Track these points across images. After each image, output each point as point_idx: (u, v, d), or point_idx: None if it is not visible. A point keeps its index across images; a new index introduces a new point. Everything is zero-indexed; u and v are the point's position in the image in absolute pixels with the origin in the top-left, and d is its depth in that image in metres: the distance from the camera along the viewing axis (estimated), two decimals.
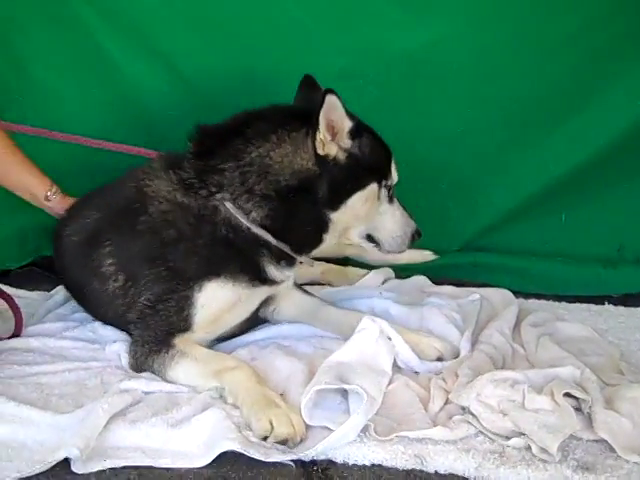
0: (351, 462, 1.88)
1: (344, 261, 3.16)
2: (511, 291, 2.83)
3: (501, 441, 1.93)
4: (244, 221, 2.25)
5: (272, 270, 2.32)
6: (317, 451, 1.87)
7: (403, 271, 3.03)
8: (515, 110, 3.05)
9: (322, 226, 2.33)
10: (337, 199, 2.30)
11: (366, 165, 2.33)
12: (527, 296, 2.93)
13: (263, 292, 2.37)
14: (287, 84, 2.94)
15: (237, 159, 2.25)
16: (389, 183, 2.41)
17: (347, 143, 2.29)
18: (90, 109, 3.08)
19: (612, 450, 1.90)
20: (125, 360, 2.30)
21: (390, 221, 2.44)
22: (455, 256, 3.18)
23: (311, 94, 2.43)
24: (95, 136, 2.84)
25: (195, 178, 2.28)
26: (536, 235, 3.19)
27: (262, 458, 1.85)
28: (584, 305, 2.93)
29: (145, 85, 3.08)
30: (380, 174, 2.38)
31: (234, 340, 2.43)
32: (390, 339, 2.25)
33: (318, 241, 2.37)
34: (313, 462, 1.89)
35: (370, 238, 2.45)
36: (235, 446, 1.86)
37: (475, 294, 2.69)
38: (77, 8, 2.98)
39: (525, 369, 2.22)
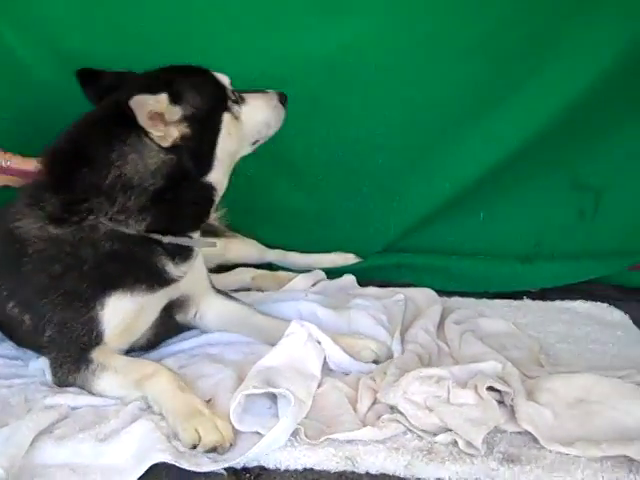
0: (283, 467, 1.89)
1: (269, 267, 3.18)
2: (434, 290, 2.89)
3: (429, 438, 1.96)
4: (128, 231, 2.22)
5: (170, 268, 2.30)
6: (248, 457, 1.87)
7: (327, 274, 3.05)
8: (433, 111, 3.09)
9: (208, 194, 2.33)
10: (207, 161, 2.28)
11: (205, 110, 2.28)
12: (450, 294, 2.99)
13: (165, 294, 2.36)
14: None
15: (97, 187, 2.20)
16: (229, 95, 2.38)
17: (178, 113, 2.21)
18: None
19: (535, 441, 1.96)
20: (49, 376, 2.25)
21: (258, 115, 2.45)
22: (379, 257, 3.22)
23: (102, 82, 2.39)
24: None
25: (62, 211, 2.23)
26: (457, 234, 3.25)
27: (193, 468, 1.84)
28: (504, 301, 3.00)
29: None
30: (220, 101, 2.35)
31: (161, 350, 2.41)
32: (319, 342, 2.27)
33: (209, 209, 2.39)
34: (245, 469, 1.88)
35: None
36: (165, 457, 1.85)
37: (399, 294, 2.73)
38: None
39: (450, 365, 2.26)
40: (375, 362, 2.32)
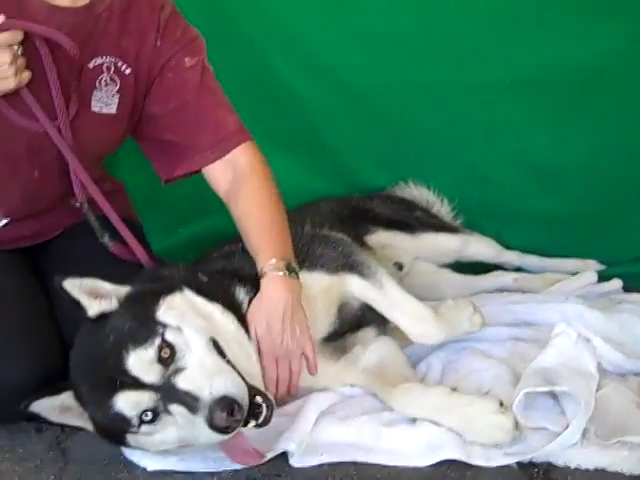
0: (573, 465, 1.84)
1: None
2: None
3: None
4: None
5: None
6: (541, 453, 1.84)
7: None
8: None
9: None
10: None
11: None
12: None
13: None
14: (457, 96, 3.02)
15: None
16: None
17: None
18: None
19: None
20: None
21: None
22: (634, 265, 3.06)
23: None
24: None
25: None
26: None
27: (484, 464, 1.85)
28: None
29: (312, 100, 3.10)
30: None
31: None
32: (589, 341, 2.20)
33: None
34: (533, 464, 1.86)
35: None
36: (457, 453, 1.87)
37: None
38: (244, 27, 3.01)
39: None
40: None
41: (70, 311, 1.93)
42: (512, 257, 3.13)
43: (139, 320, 1.86)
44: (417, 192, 3.20)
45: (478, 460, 1.85)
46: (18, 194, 2.28)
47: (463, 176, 3.15)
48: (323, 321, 2.20)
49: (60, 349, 2.11)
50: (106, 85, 2.24)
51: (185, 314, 1.90)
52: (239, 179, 2.25)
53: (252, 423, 1.80)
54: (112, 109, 2.27)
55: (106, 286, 1.94)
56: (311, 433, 1.98)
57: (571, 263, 3.09)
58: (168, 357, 1.79)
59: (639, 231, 3.10)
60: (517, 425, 1.89)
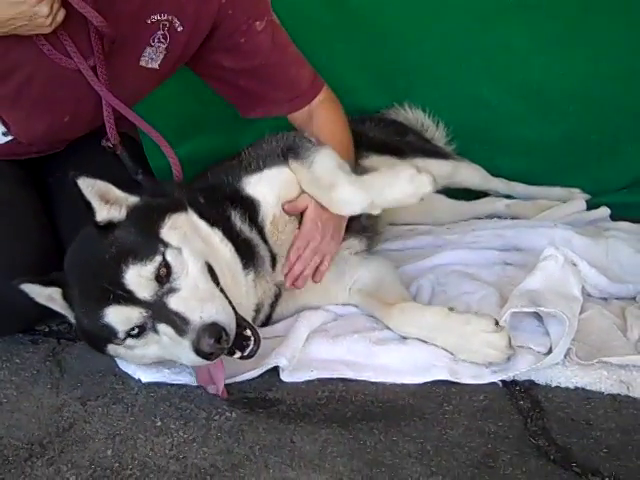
0: (554, 384, 1.90)
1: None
2: None
3: None
4: None
5: None
6: (523, 372, 1.90)
7: None
8: None
9: None
10: None
11: None
12: None
13: None
14: (457, 16, 2.96)
15: None
16: None
17: None
18: None
19: None
20: None
21: None
22: (627, 194, 3.08)
23: None
24: None
25: None
26: None
27: (471, 381, 1.91)
28: None
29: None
30: None
31: (418, 264, 2.47)
32: (575, 265, 2.24)
33: None
34: (514, 382, 1.92)
35: None
36: (443, 374, 1.93)
37: None
38: None
39: None
40: None
41: (69, 217, 1.94)
42: (499, 185, 3.16)
43: (143, 235, 1.86)
44: (412, 115, 3.20)
45: (466, 378, 1.91)
46: (44, 133, 2.29)
47: (459, 100, 3.14)
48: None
49: (58, 261, 2.13)
50: (158, 42, 2.23)
51: (187, 235, 1.91)
52: (312, 118, 2.42)
53: (237, 354, 1.81)
54: (156, 64, 2.27)
55: (118, 193, 1.94)
56: (302, 350, 2.03)
57: (556, 191, 3.12)
58: (165, 276, 1.81)
59: (629, 160, 3.12)
60: (510, 344, 1.93)
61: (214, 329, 1.72)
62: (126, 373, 2.00)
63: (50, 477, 1.63)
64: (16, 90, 2.14)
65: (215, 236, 1.99)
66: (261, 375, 1.97)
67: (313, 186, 2.14)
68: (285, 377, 1.96)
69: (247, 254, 2.06)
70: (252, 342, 1.82)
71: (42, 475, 1.64)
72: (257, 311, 2.11)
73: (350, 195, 2.08)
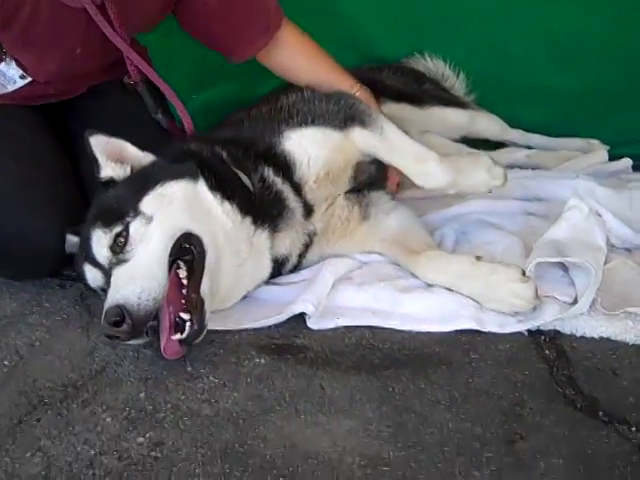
0: (579, 334, 1.92)
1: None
2: None
3: None
4: None
5: None
6: (548, 322, 1.91)
7: None
8: None
9: None
10: None
11: None
12: None
13: None
14: None
15: None
16: None
17: None
18: None
19: None
20: None
21: None
22: None
23: None
24: None
25: None
26: None
27: (497, 330, 1.92)
28: None
29: None
30: None
31: (441, 213, 2.46)
32: (600, 215, 2.24)
33: None
34: (539, 331, 1.94)
35: None
36: (470, 324, 1.93)
37: None
38: None
39: None
40: None
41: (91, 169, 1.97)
42: (516, 135, 3.15)
43: (123, 200, 1.88)
44: (432, 65, 3.18)
45: (491, 327, 1.92)
46: (58, 68, 2.28)
47: (479, 49, 3.10)
48: (343, 178, 2.23)
49: (82, 206, 2.14)
50: None
51: (171, 204, 1.89)
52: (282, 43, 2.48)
53: (177, 336, 1.77)
54: None
55: (132, 151, 1.95)
56: (328, 297, 2.04)
57: (575, 142, 3.11)
58: (122, 246, 1.82)
59: None
60: (537, 294, 1.93)
61: (113, 312, 1.70)
62: None
63: (86, 418, 1.66)
64: (23, 30, 2.14)
65: (219, 207, 1.96)
66: (287, 321, 1.99)
67: (396, 155, 2.20)
68: (312, 324, 1.97)
69: (270, 208, 2.06)
70: (188, 326, 1.76)
71: (78, 416, 1.66)
72: (282, 263, 2.12)
73: (439, 172, 2.16)
